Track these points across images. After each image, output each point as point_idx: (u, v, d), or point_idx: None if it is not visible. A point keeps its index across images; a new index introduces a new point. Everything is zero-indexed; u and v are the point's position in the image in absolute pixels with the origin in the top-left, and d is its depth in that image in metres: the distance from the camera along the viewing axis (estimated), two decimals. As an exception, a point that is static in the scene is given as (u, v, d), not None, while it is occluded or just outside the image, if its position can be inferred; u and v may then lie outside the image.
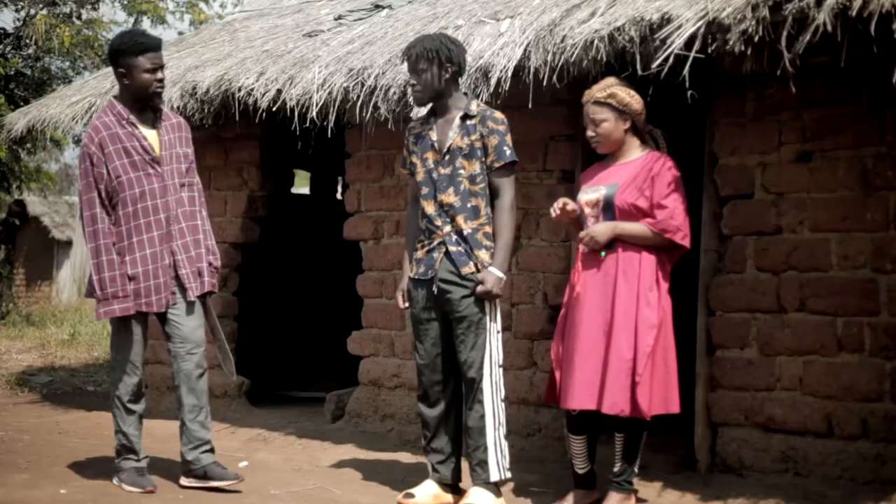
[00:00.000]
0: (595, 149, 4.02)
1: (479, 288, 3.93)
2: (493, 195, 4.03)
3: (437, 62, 3.98)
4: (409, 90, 4.12)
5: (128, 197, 4.16)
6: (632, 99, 3.91)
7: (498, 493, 4.00)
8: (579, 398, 3.84)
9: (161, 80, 4.22)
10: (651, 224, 3.84)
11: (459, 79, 4.16)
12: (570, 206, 3.95)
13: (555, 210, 3.97)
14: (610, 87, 3.91)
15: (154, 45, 4.20)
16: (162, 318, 4.29)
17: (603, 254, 3.89)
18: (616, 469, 3.93)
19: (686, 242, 3.89)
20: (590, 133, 3.96)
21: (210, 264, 4.35)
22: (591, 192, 3.97)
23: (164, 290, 4.21)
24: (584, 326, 3.87)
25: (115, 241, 4.17)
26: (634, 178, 3.89)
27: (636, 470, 3.98)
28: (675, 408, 3.89)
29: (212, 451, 4.28)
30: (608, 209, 3.90)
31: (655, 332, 3.80)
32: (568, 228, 4.07)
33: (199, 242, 4.32)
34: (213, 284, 4.38)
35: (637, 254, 3.85)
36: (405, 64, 4.07)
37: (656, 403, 3.81)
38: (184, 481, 4.26)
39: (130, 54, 4.16)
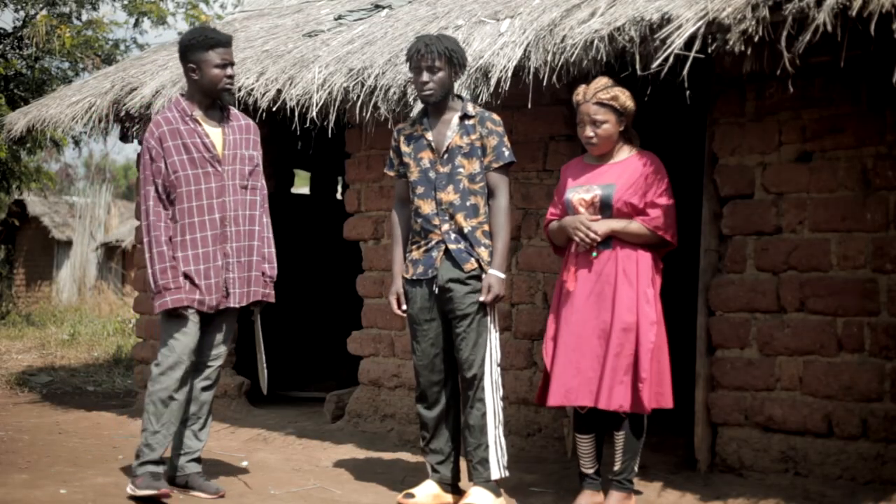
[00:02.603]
0: (590, 150, 3.99)
1: (488, 297, 3.92)
2: (490, 195, 4.04)
3: (456, 63, 4.00)
4: (421, 88, 4.01)
5: (183, 193, 4.09)
6: (630, 101, 3.93)
7: (498, 493, 3.99)
8: (578, 395, 3.84)
9: (231, 77, 4.16)
10: (645, 221, 3.86)
11: (457, 83, 4.18)
12: (599, 228, 3.88)
13: (588, 235, 3.85)
14: (612, 89, 3.90)
15: (224, 41, 4.15)
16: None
17: (594, 254, 3.89)
18: (616, 468, 3.93)
19: (675, 240, 3.93)
20: (589, 133, 3.93)
21: (263, 273, 4.25)
22: (584, 192, 3.96)
23: (215, 291, 4.12)
24: (580, 325, 3.87)
25: (171, 236, 4.09)
26: (630, 178, 3.90)
27: (636, 469, 3.98)
28: (667, 403, 3.90)
29: (198, 461, 4.24)
30: (605, 209, 3.90)
31: (656, 328, 3.82)
32: (558, 230, 4.03)
33: (254, 248, 4.21)
34: (264, 294, 4.26)
35: (634, 252, 3.87)
36: (418, 60, 3.98)
37: (651, 398, 3.82)
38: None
39: (200, 49, 4.11)
